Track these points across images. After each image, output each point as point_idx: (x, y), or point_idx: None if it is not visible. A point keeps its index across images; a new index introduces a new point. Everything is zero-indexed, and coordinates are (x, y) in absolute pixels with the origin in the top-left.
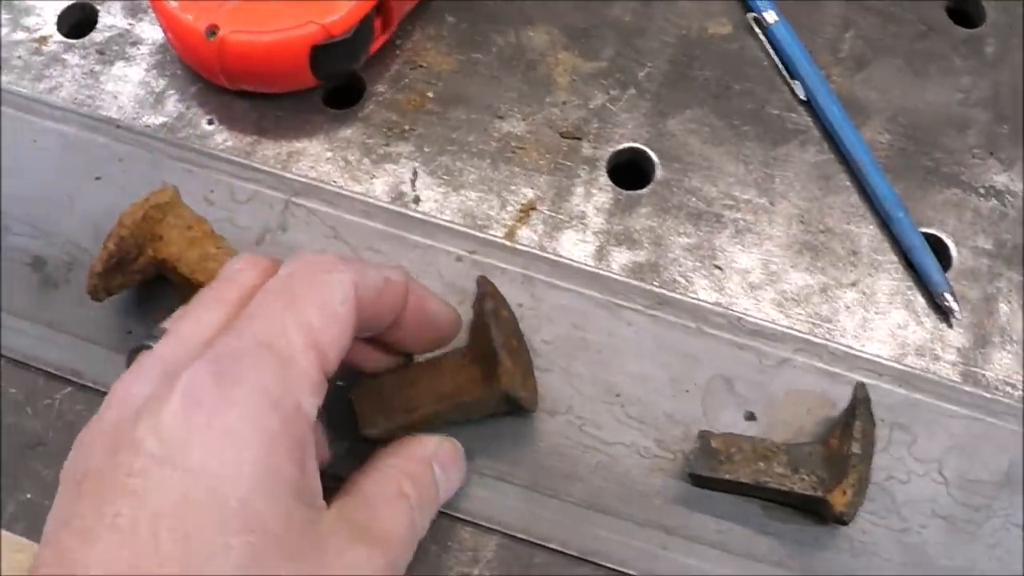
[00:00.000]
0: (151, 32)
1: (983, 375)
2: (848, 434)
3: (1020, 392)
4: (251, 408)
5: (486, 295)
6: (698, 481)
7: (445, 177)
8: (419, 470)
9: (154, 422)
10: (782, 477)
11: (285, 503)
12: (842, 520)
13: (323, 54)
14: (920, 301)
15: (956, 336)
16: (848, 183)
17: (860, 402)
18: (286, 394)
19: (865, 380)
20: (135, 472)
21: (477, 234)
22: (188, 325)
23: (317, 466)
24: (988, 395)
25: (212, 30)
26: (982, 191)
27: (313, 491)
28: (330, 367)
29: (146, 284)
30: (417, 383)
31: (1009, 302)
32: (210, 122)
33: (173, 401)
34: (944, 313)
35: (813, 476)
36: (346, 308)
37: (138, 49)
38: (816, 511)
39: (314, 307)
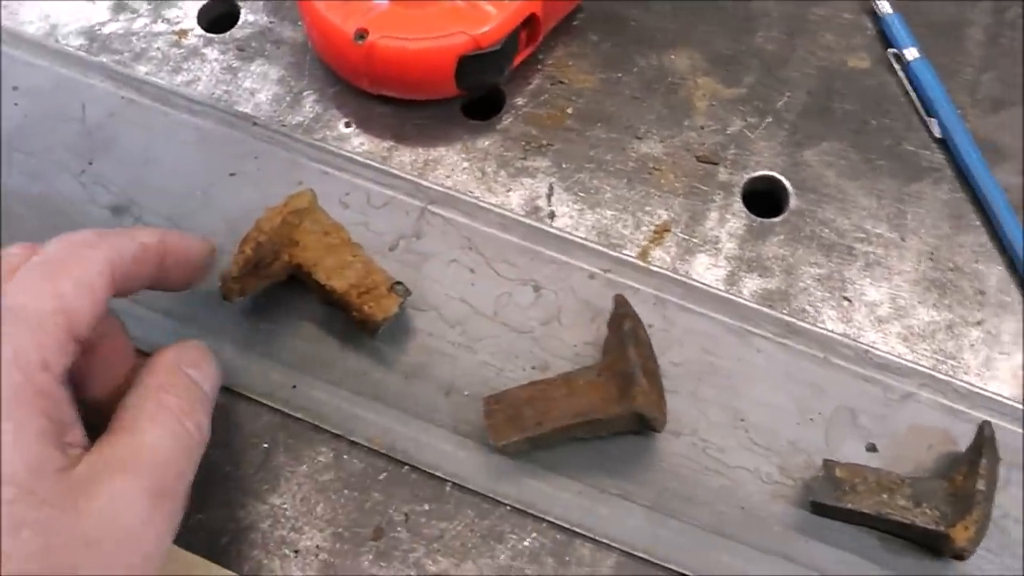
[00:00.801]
0: (292, 32)
1: None
2: (974, 471)
3: None
4: None
5: (625, 315)
6: (819, 510)
7: (581, 194)
8: (172, 379)
9: None
10: (904, 510)
11: (33, 452)
12: (961, 556)
13: (470, 65)
14: None
15: None
16: (979, 223)
17: (987, 440)
18: (30, 352)
19: (987, 419)
20: None
21: (611, 253)
22: None
23: (75, 414)
24: None
25: (361, 34)
26: None
27: (68, 439)
28: (80, 330)
29: (278, 284)
30: (550, 398)
31: None
32: (347, 125)
33: None
34: None
35: (936, 511)
36: (100, 280)
37: (278, 48)
38: (935, 546)
39: (68, 279)
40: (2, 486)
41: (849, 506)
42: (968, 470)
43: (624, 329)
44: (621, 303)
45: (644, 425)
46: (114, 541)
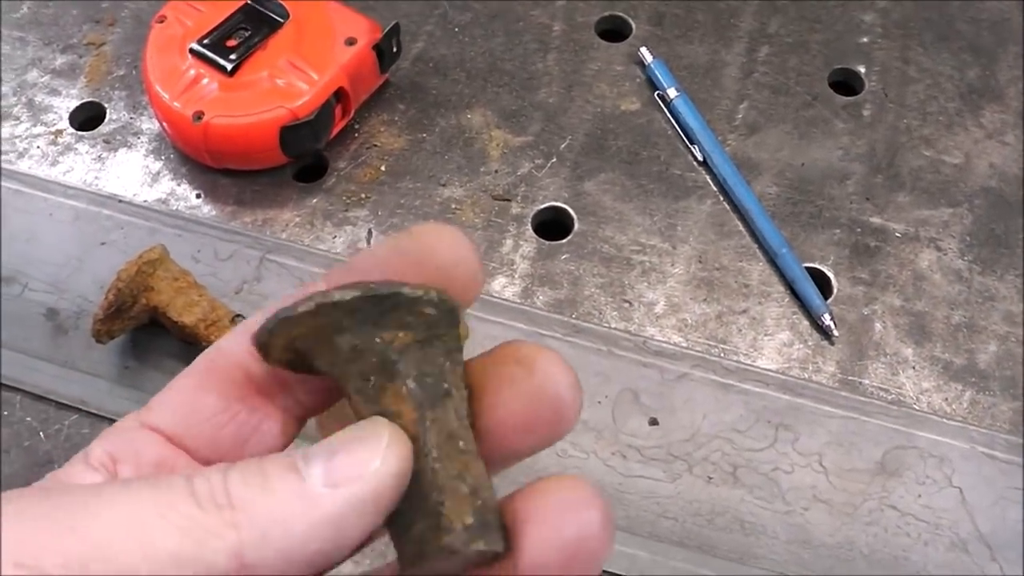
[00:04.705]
0: (149, 124)
1: (860, 383)
2: None
3: (893, 396)
4: None
5: None
6: None
7: (394, 234)
8: None
9: None
10: None
11: None
12: None
13: (290, 134)
14: (804, 324)
15: (835, 352)
16: (740, 228)
17: None
18: None
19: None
20: None
21: None
22: None
23: None
24: (863, 398)
25: (198, 115)
26: (859, 230)
27: None
28: None
29: (142, 328)
30: None
31: (883, 322)
32: (198, 196)
33: None
34: (825, 333)
35: None
36: None
37: (138, 138)
38: None
39: None
40: None
41: None
42: None
43: None
44: None
45: None
46: None
